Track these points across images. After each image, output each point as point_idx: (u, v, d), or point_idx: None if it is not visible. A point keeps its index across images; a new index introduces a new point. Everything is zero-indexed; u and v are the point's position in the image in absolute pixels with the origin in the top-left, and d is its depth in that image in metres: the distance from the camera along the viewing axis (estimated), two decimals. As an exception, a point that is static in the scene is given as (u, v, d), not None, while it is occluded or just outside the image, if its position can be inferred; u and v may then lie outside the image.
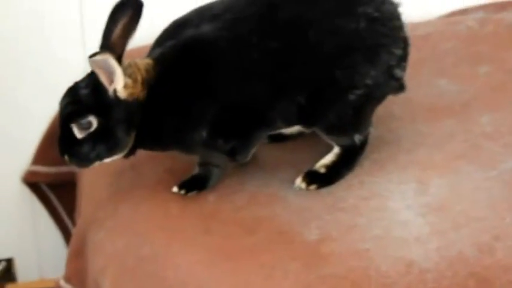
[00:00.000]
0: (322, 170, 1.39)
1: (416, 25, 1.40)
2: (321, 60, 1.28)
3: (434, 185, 1.34)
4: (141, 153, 1.45)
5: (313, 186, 1.37)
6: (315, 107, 1.31)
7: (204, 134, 1.28)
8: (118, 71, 1.22)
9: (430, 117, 1.49)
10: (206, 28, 1.27)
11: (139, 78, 1.26)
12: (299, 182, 1.37)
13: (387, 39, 1.32)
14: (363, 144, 1.39)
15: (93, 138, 1.24)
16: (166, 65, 1.27)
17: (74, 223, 1.73)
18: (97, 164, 1.28)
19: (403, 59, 1.34)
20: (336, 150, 1.40)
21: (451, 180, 1.35)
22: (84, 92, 1.24)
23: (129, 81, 1.25)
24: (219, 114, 1.28)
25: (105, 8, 1.75)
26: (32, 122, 1.83)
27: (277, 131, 1.41)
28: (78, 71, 1.78)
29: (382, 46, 1.31)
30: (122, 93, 1.25)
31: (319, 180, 1.37)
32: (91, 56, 1.20)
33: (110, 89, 1.24)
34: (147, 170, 1.43)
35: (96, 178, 1.48)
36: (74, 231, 1.46)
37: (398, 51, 1.33)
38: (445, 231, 1.25)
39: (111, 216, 1.35)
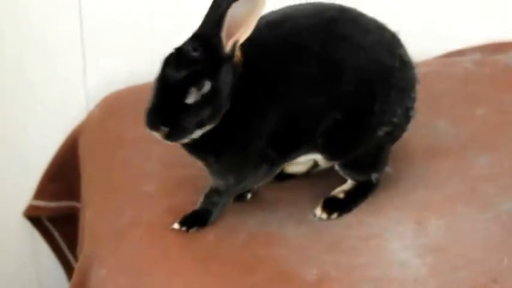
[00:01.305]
0: (341, 196, 1.42)
1: (413, 65, 1.44)
2: (365, 84, 1.33)
3: (432, 225, 1.36)
4: (140, 190, 1.48)
5: (334, 215, 1.39)
6: (349, 131, 1.34)
7: (264, 140, 1.29)
8: (257, 15, 1.20)
9: (427, 158, 1.51)
10: (269, 34, 1.28)
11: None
12: (319, 212, 1.39)
13: (409, 84, 1.39)
14: (377, 182, 1.44)
15: (202, 102, 1.21)
16: (243, 60, 1.27)
17: (75, 258, 1.73)
18: (187, 139, 1.24)
19: (414, 103, 1.41)
20: (350, 182, 1.43)
21: (449, 221, 1.37)
22: (195, 54, 1.21)
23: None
24: (277, 124, 1.29)
25: (106, 46, 1.80)
26: (33, 157, 1.84)
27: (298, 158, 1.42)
28: (79, 108, 1.82)
29: (406, 90, 1.38)
30: (237, 50, 1.23)
31: (340, 207, 1.40)
32: None
33: (229, 43, 1.22)
34: (147, 208, 1.44)
35: (97, 215, 1.49)
36: (76, 266, 1.47)
37: (413, 95, 1.40)
38: (442, 273, 1.26)
39: (112, 254, 1.37)
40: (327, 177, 1.44)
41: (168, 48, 1.79)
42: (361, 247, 1.33)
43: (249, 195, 1.44)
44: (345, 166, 1.40)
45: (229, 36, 1.22)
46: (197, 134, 1.24)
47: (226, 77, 1.23)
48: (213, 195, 1.38)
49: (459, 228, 1.35)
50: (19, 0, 1.73)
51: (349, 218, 1.39)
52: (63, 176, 1.80)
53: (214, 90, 1.22)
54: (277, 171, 1.38)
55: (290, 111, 1.29)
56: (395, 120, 1.37)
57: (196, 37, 1.24)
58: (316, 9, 1.36)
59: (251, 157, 1.31)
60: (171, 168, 1.52)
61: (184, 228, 1.37)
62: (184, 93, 1.20)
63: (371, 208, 1.41)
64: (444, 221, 1.37)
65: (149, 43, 1.81)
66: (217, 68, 1.22)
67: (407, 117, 1.40)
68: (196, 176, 1.48)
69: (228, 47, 1.22)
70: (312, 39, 1.31)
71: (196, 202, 1.41)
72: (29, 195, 1.86)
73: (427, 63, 1.78)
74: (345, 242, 1.34)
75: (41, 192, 1.84)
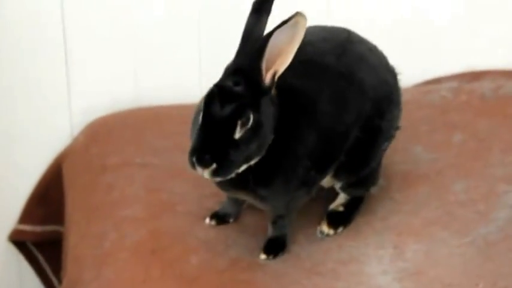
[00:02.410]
0: (341, 209, 1.46)
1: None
2: (377, 102, 1.38)
3: (410, 250, 1.39)
4: (123, 214, 1.50)
5: (340, 229, 1.43)
6: (365, 149, 1.39)
7: (308, 162, 1.30)
8: (295, 44, 1.21)
9: (405, 184, 1.54)
10: (295, 60, 1.26)
11: None
12: (326, 229, 1.43)
13: (400, 96, 1.45)
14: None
15: (248, 135, 1.20)
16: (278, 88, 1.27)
17: (60, 281, 1.74)
18: (234, 174, 1.22)
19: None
20: (344, 195, 1.47)
21: (427, 245, 1.40)
22: (237, 88, 1.21)
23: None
24: (316, 145, 1.31)
25: (91, 73, 1.82)
26: (18, 182, 1.86)
27: None
28: (64, 134, 1.84)
29: (399, 103, 1.45)
30: (274, 82, 1.23)
31: (343, 220, 1.44)
32: (283, 23, 1.18)
33: (268, 75, 1.22)
34: (130, 232, 1.45)
35: (80, 238, 1.51)
36: (60, 290, 1.49)
37: (401, 107, 1.45)
38: (420, 297, 1.29)
39: (95, 279, 1.38)
40: (309, 206, 1.44)
41: (152, 75, 1.84)
42: (340, 271, 1.35)
43: (231, 220, 1.47)
44: (348, 184, 1.44)
45: (268, 68, 1.22)
46: (243, 168, 1.24)
47: (267, 109, 1.24)
48: (277, 220, 1.39)
49: (436, 252, 1.38)
50: (4, 26, 1.75)
51: (329, 241, 1.42)
52: (48, 200, 1.82)
53: (258, 122, 1.21)
54: (314, 193, 1.39)
55: (325, 130, 1.31)
56: (392, 133, 1.44)
57: (236, 71, 1.23)
58: (327, 32, 1.40)
59: (296, 181, 1.31)
60: (153, 193, 1.54)
61: (271, 257, 1.38)
62: (233, 128, 1.20)
63: (350, 232, 1.44)
64: (422, 245, 1.40)
65: (133, 70, 1.84)
66: (258, 100, 1.22)
67: (396, 129, 1.45)
68: (178, 200, 1.51)
69: (267, 79, 1.23)
70: (336, 61, 1.35)
71: (178, 226, 1.44)
72: (14, 220, 1.87)
73: (405, 91, 1.79)
74: (325, 265, 1.36)
75: (26, 216, 1.85)
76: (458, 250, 1.38)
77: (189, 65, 1.85)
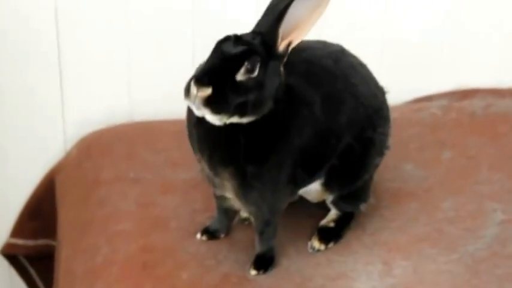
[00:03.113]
0: (332, 225, 1.47)
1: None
2: (369, 114, 1.40)
3: (399, 266, 1.40)
4: (115, 229, 1.50)
5: (331, 245, 1.45)
6: (357, 159, 1.40)
7: (297, 157, 1.31)
8: (317, 16, 1.23)
9: (395, 201, 1.55)
10: (295, 59, 1.30)
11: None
12: (318, 244, 1.44)
13: (389, 113, 1.47)
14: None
15: (249, 84, 1.21)
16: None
17: (51, 296, 1.75)
18: (225, 120, 1.22)
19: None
20: (335, 211, 1.49)
21: (415, 262, 1.41)
22: (253, 40, 1.23)
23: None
24: (309, 141, 1.32)
25: (85, 87, 1.84)
26: (11, 195, 1.87)
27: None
28: (57, 148, 1.85)
29: (389, 119, 1.46)
30: (287, 53, 1.26)
31: (333, 236, 1.46)
32: None
33: (283, 43, 1.24)
34: (122, 246, 1.46)
35: (72, 253, 1.51)
36: (51, 305, 1.50)
37: (390, 125, 1.47)
38: (408, 313, 1.30)
39: (87, 294, 1.39)
40: (298, 220, 1.48)
41: (146, 90, 1.86)
42: (329, 286, 1.36)
43: (222, 235, 1.48)
44: (340, 198, 1.46)
45: (284, 36, 1.25)
46: (233, 119, 1.22)
47: (273, 75, 1.25)
48: (264, 229, 1.39)
49: (425, 269, 1.39)
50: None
51: (318, 256, 1.43)
52: (41, 214, 1.82)
53: (261, 79, 1.23)
54: (297, 195, 1.41)
55: (321, 129, 1.33)
56: (385, 150, 1.46)
57: (254, 32, 1.27)
58: (322, 43, 1.43)
59: (285, 169, 1.32)
60: (146, 208, 1.55)
61: (261, 272, 1.39)
62: (237, 68, 1.21)
63: (339, 247, 1.45)
64: (410, 262, 1.41)
65: (127, 84, 1.85)
66: (268, 61, 1.24)
67: (387, 148, 1.47)
68: (170, 216, 1.52)
69: (281, 46, 1.25)
70: (333, 64, 1.38)
71: (169, 241, 1.45)
72: (5, 233, 1.87)
73: (395, 108, 1.81)
74: (314, 281, 1.37)
75: (19, 230, 1.86)
76: (446, 267, 1.40)
77: (183, 80, 1.86)
